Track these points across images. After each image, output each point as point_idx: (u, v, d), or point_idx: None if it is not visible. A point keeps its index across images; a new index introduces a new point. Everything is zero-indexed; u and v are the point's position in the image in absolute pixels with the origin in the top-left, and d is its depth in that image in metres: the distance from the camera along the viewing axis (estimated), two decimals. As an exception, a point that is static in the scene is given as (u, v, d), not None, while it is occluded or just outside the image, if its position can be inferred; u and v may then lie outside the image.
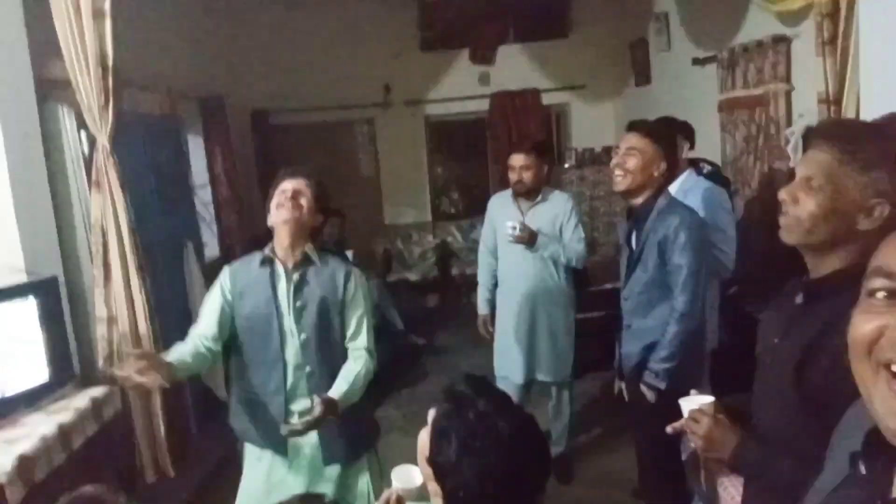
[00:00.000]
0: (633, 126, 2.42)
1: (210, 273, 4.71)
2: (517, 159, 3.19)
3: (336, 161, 6.38)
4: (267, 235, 2.15)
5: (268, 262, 2.11)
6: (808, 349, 1.17)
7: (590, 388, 4.18)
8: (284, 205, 2.06)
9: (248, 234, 5.56)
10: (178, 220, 4.06)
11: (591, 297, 4.28)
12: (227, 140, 5.34)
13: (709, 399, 1.39)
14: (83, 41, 2.72)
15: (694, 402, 1.39)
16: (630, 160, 2.31)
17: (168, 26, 4.50)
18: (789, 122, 3.49)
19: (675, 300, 2.31)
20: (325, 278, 2.11)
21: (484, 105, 6.47)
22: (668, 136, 2.48)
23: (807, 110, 3.25)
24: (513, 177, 3.24)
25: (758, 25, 3.75)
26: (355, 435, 2.19)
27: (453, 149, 7.12)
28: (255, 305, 2.10)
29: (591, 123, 6.55)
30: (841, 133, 1.20)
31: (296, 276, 2.09)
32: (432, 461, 1.06)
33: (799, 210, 1.19)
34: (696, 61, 4.51)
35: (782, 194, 1.22)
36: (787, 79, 3.50)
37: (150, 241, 3.27)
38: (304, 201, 2.08)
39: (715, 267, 2.76)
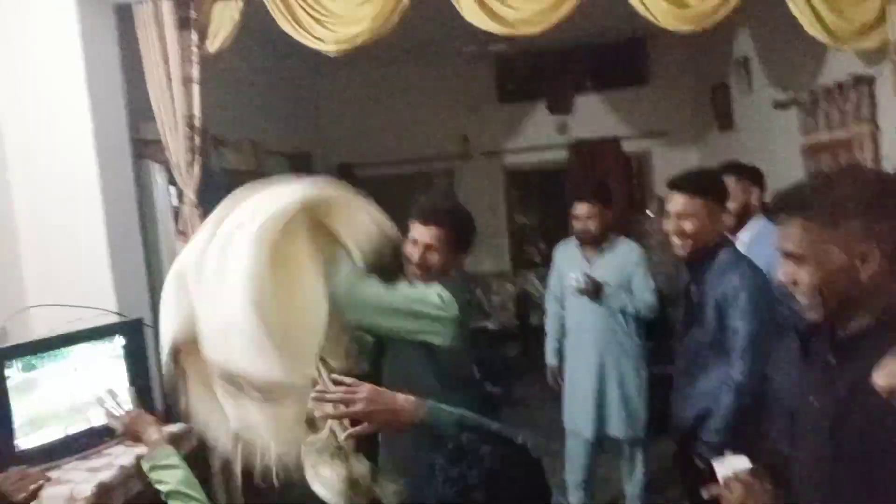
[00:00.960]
0: (675, 185, 2.23)
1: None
2: (580, 209, 3.17)
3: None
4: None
5: None
6: (843, 408, 1.12)
7: (669, 448, 3.99)
8: (413, 254, 2.00)
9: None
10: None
11: (671, 350, 4.11)
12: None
13: (743, 463, 1.31)
14: (173, 105, 2.98)
15: (728, 467, 1.31)
16: (685, 224, 2.15)
17: (258, 86, 4.84)
18: (878, 164, 3.30)
19: (731, 368, 2.10)
20: None
21: (562, 154, 6.49)
22: (715, 185, 2.29)
23: (893, 152, 3.07)
24: (577, 226, 3.21)
25: (839, 66, 3.61)
26: None
27: (533, 198, 7.14)
28: None
29: (675, 171, 6.38)
30: (793, 201, 1.18)
31: None
32: None
33: (802, 288, 1.17)
34: (777, 104, 4.37)
35: (783, 278, 1.20)
36: (872, 119, 3.33)
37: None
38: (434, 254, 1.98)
39: (792, 320, 2.59)
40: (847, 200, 1.12)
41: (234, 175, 3.97)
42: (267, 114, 5.04)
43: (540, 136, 6.52)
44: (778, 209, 1.25)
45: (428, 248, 1.98)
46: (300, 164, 5.50)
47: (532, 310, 6.36)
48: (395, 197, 7.36)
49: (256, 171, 4.39)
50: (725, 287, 2.10)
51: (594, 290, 3.03)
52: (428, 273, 1.98)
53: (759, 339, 2.06)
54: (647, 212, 6.24)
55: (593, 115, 6.46)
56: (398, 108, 6.46)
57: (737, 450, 1.40)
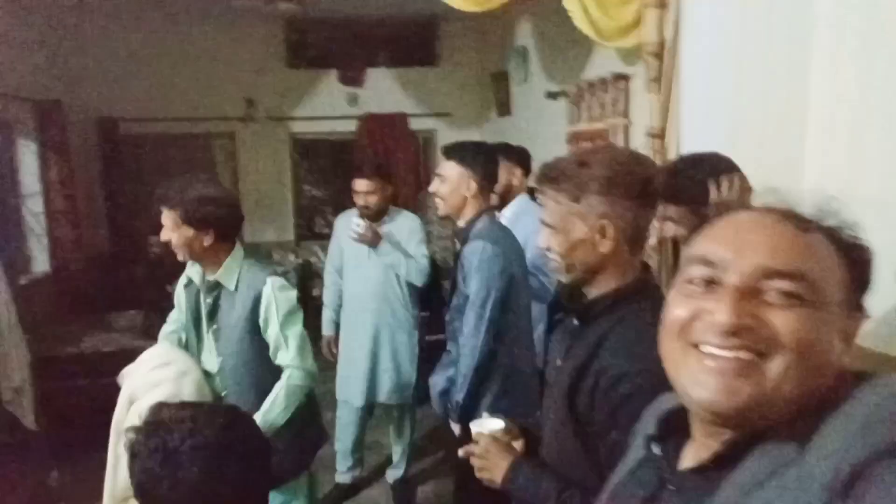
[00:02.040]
0: (444, 151, 2.45)
1: (33, 289, 4.30)
2: (360, 184, 3.16)
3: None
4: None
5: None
6: (579, 371, 1.21)
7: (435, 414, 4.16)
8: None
9: (85, 250, 5.15)
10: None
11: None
12: (66, 148, 4.93)
13: (498, 422, 1.38)
14: None
15: (483, 426, 1.37)
16: (441, 186, 2.33)
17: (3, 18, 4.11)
18: (628, 156, 3.69)
19: (463, 329, 2.21)
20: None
21: (352, 126, 6.43)
22: (478, 157, 2.41)
23: (640, 144, 3.44)
24: (358, 201, 3.21)
25: (603, 63, 3.96)
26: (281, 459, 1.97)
27: (320, 168, 7.00)
28: None
29: (458, 150, 6.64)
30: (549, 174, 1.29)
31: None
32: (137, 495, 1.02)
33: (553, 254, 1.28)
34: (549, 95, 4.69)
35: (541, 244, 1.31)
36: (626, 114, 3.70)
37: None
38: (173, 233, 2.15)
39: (541, 293, 2.79)
40: (590, 179, 1.22)
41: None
42: (10, 53, 4.30)
43: (330, 107, 6.38)
44: (538, 182, 1.34)
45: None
46: (49, 114, 4.80)
47: (313, 280, 6.25)
48: (164, 157, 6.75)
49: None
50: (467, 252, 2.25)
51: (373, 238, 3.03)
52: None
53: (485, 302, 2.18)
54: (431, 188, 6.41)
55: (384, 91, 6.46)
56: (176, 63, 5.90)
57: (494, 412, 1.47)
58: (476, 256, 2.19)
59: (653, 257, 2.97)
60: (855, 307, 0.71)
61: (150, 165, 5.95)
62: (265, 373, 2.14)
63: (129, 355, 4.12)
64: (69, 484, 3.46)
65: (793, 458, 0.62)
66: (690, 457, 0.75)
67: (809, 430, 0.63)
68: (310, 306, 6.03)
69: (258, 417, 2.01)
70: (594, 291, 1.27)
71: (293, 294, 2.21)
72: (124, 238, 5.80)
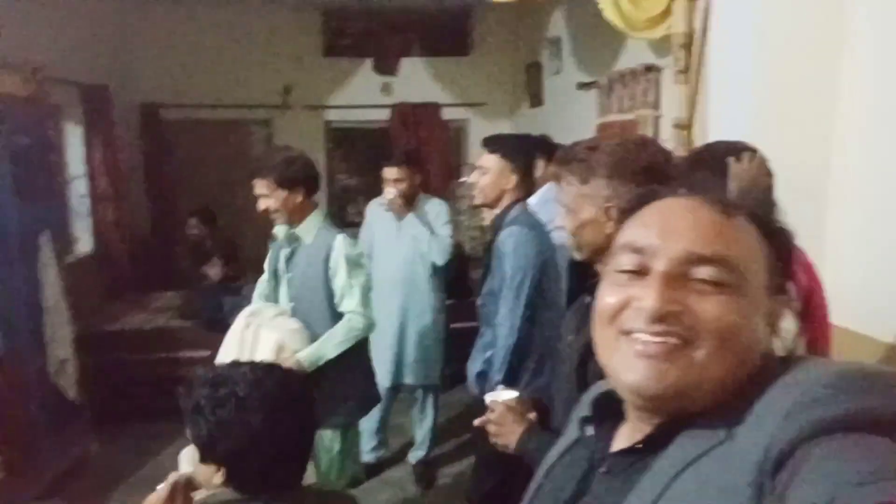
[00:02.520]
0: (485, 143, 2.53)
1: (77, 269, 4.48)
2: (390, 172, 3.23)
3: (230, 161, 6.22)
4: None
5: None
6: (588, 347, 1.25)
7: (462, 399, 4.23)
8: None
9: (127, 231, 5.34)
10: (35, 211, 3.82)
11: (471, 307, 4.34)
12: (110, 132, 5.11)
13: (512, 392, 1.45)
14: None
15: (498, 397, 1.45)
16: (482, 178, 2.42)
17: (53, 8, 4.28)
18: (657, 147, 3.69)
19: (499, 311, 2.29)
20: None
21: (385, 114, 6.50)
22: (519, 150, 2.51)
23: (670, 136, 3.44)
24: (388, 188, 3.27)
25: (634, 54, 3.96)
26: (326, 399, 2.22)
27: (355, 155, 7.08)
28: None
29: (490, 140, 6.67)
30: (565, 158, 1.37)
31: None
32: (195, 443, 1.09)
33: (566, 233, 1.37)
34: (580, 86, 4.70)
35: (558, 223, 1.41)
36: (656, 105, 3.70)
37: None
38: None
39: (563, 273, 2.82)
40: (597, 163, 1.30)
41: (7, 100, 3.49)
42: (58, 37, 4.47)
43: (364, 95, 6.46)
44: (556, 165, 1.43)
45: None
46: (96, 98, 4.98)
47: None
48: (206, 143, 6.93)
49: (37, 99, 3.89)
50: (503, 237, 2.33)
51: (399, 207, 3.20)
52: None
53: (520, 285, 2.26)
54: (462, 178, 6.47)
55: (417, 80, 6.51)
56: (215, 51, 6.04)
57: (513, 386, 1.54)
58: (512, 239, 2.28)
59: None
60: (779, 290, 0.72)
61: (190, 151, 6.11)
62: (330, 318, 2.44)
63: (166, 334, 4.30)
64: (108, 453, 3.64)
65: (722, 439, 0.64)
66: (623, 439, 0.76)
67: (738, 412, 0.64)
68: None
69: (314, 347, 2.35)
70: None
71: (360, 251, 2.59)
72: (165, 221, 5.98)
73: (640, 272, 0.71)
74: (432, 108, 6.52)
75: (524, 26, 6.13)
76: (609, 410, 0.79)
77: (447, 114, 6.59)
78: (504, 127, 6.67)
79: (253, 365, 1.35)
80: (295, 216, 2.47)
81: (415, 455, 3.53)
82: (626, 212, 0.80)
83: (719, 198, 0.73)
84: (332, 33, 6.41)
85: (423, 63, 6.55)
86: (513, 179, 2.39)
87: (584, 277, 1.38)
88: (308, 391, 1.41)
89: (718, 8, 2.61)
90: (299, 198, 2.44)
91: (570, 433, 0.87)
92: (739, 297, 0.68)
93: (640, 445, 0.71)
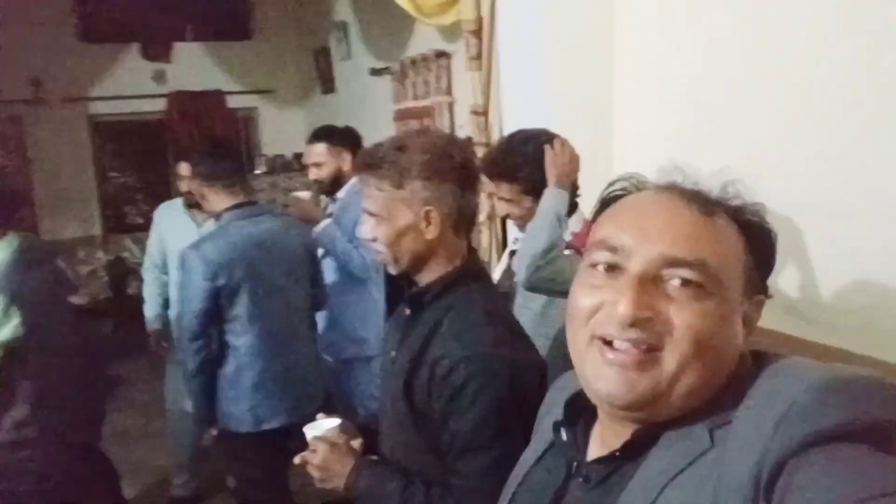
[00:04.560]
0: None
1: None
2: (185, 168, 2.92)
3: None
4: None
5: None
6: (413, 362, 1.18)
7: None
8: None
9: None
10: None
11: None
12: None
13: (333, 422, 1.28)
14: None
15: (317, 429, 1.27)
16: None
17: None
18: (453, 133, 3.74)
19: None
20: None
21: (161, 105, 5.92)
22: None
23: (465, 122, 3.49)
24: (183, 187, 2.98)
25: (425, 40, 3.96)
26: None
27: (129, 152, 6.37)
28: None
29: (282, 129, 6.39)
30: (370, 161, 1.23)
31: None
32: None
33: (379, 244, 1.22)
34: (373, 71, 4.63)
35: (364, 235, 1.26)
36: (449, 92, 3.74)
37: None
38: None
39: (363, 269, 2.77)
40: (411, 164, 1.18)
41: None
42: None
43: (133, 85, 5.82)
44: (357, 170, 1.28)
45: None
46: None
47: (128, 278, 5.73)
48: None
49: None
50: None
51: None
52: None
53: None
54: (256, 171, 6.12)
55: (196, 67, 6.01)
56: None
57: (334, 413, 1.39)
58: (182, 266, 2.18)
59: (483, 232, 3.04)
60: (758, 290, 0.71)
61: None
62: None
63: None
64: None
65: (706, 448, 0.63)
66: (598, 442, 0.75)
67: (717, 416, 0.64)
68: (126, 307, 5.57)
69: None
70: (424, 279, 1.24)
71: None
72: None
73: (615, 270, 0.68)
74: (215, 97, 6.07)
75: (308, 9, 5.90)
76: (582, 407, 0.77)
77: (233, 102, 6.18)
78: (297, 115, 6.42)
79: None
80: None
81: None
82: (603, 205, 0.76)
83: (699, 195, 0.70)
84: (88, 16, 5.66)
85: (201, 48, 6.06)
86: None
87: (401, 287, 1.29)
88: None
89: (505, -6, 2.64)
90: None
91: (543, 437, 0.83)
92: (716, 303, 0.66)
93: (618, 453, 0.69)
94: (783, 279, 1.72)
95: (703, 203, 0.70)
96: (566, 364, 0.76)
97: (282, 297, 2.27)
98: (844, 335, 1.54)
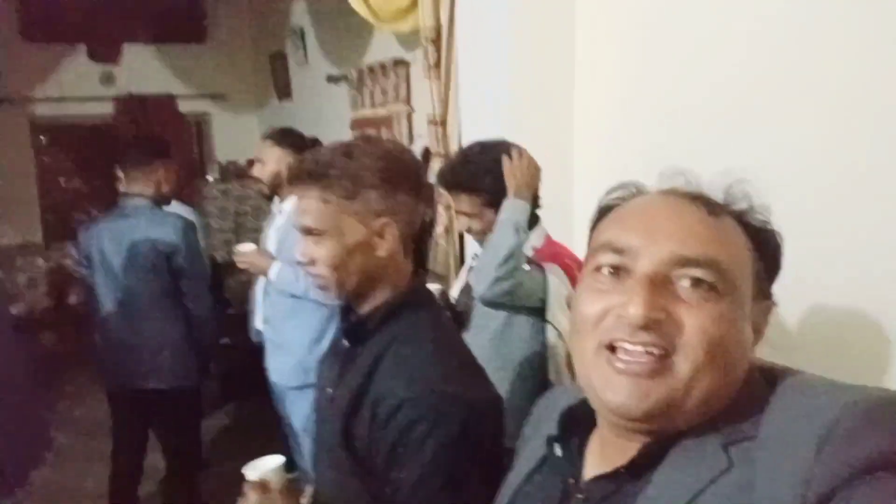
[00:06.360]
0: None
1: None
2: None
3: None
4: None
5: None
6: (353, 401, 1.04)
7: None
8: None
9: None
10: None
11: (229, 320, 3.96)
12: None
13: (276, 460, 1.09)
14: None
15: (256, 470, 1.07)
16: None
17: None
18: (411, 143, 3.66)
19: None
20: None
21: (109, 108, 5.71)
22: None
23: (424, 132, 3.42)
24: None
25: (383, 47, 3.88)
26: None
27: (74, 157, 6.12)
28: None
29: (236, 135, 6.22)
30: (313, 170, 1.06)
31: None
32: None
33: (320, 267, 1.06)
34: (330, 78, 4.53)
35: (301, 258, 1.09)
36: (408, 100, 3.66)
37: None
38: None
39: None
40: (365, 171, 1.04)
41: None
42: None
43: (79, 86, 5.60)
44: (294, 180, 1.08)
45: None
46: None
47: (70, 288, 5.47)
48: None
49: None
50: None
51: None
52: None
53: None
54: (208, 177, 5.94)
55: (146, 69, 5.82)
56: None
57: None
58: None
59: (440, 245, 2.97)
60: (765, 295, 0.68)
61: None
62: None
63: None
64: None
65: (725, 467, 0.58)
66: (597, 459, 0.70)
67: (728, 430, 0.60)
68: (67, 317, 5.31)
69: None
70: (366, 306, 1.09)
71: None
72: None
73: (621, 272, 0.65)
74: (166, 101, 5.88)
75: (265, 13, 5.77)
76: (575, 421, 0.73)
77: (184, 107, 5.99)
78: (251, 121, 6.27)
79: None
80: None
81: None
82: (602, 212, 0.72)
83: (705, 197, 0.67)
84: (32, 14, 5.42)
85: (151, 51, 5.87)
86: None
87: (341, 318, 1.15)
88: None
89: (463, 2, 2.59)
90: None
91: (534, 451, 0.77)
92: (728, 305, 0.62)
93: (624, 469, 0.64)
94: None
95: (709, 204, 0.67)
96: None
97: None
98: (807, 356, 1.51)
